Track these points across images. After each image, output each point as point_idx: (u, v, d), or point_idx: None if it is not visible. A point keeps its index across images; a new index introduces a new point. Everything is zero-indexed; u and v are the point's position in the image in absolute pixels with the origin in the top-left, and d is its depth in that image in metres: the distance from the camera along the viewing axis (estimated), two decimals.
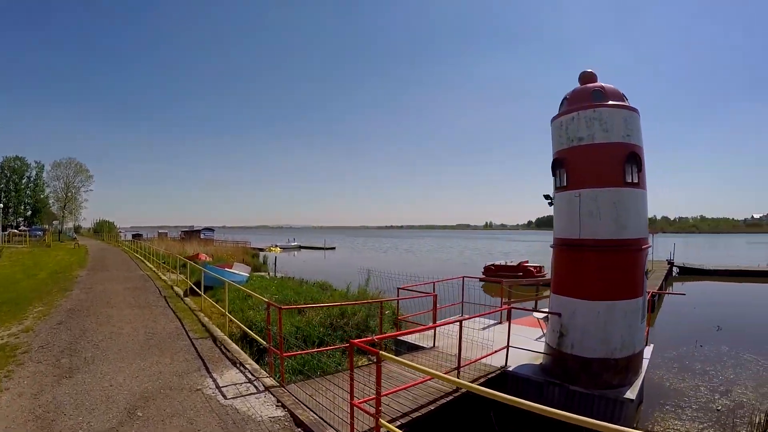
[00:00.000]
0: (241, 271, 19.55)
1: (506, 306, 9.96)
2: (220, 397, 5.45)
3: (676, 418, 8.36)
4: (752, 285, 28.04)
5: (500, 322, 11.66)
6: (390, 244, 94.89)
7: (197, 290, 12.69)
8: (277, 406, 5.28)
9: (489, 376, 7.52)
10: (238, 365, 6.69)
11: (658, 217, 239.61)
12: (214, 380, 6.02)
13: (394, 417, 5.30)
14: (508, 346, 8.17)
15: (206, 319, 10.34)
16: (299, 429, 4.82)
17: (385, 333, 12.61)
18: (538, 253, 61.75)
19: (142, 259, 27.29)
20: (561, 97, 8.14)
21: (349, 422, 4.62)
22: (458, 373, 6.81)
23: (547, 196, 8.76)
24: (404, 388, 5.74)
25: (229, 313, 9.37)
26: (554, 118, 8.03)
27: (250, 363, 6.85)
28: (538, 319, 9.67)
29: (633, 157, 7.22)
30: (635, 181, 7.30)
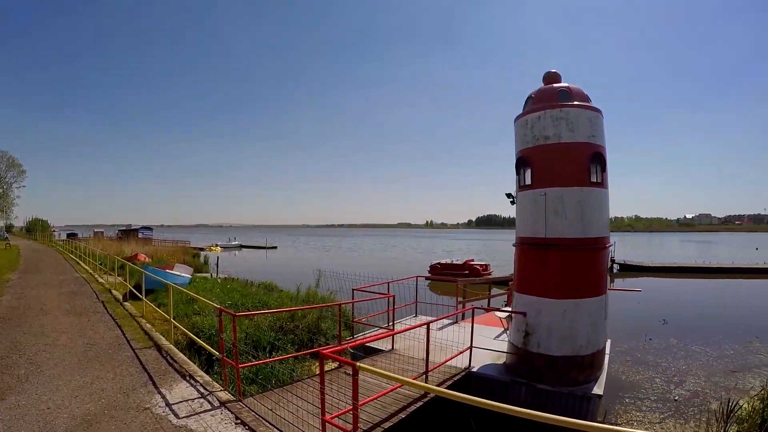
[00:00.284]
0: (182, 272, 18.41)
1: (471, 306, 9.87)
2: (172, 417, 4.83)
3: (637, 410, 8.62)
4: (690, 280, 30.08)
5: (456, 322, 11.59)
6: (332, 243, 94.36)
7: (137, 294, 11.68)
8: (236, 423, 4.75)
9: (455, 379, 7.36)
10: (187, 378, 6.04)
11: None
12: (164, 397, 5.37)
13: (365, 429, 4.93)
14: (471, 347, 8.05)
15: (149, 325, 9.47)
16: None
17: (341, 337, 12.27)
18: (481, 251, 63.78)
19: (77, 260, 25.20)
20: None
21: None
22: (426, 377, 6.55)
23: (509, 195, 8.73)
24: (376, 398, 5.38)
25: (174, 318, 8.61)
26: (519, 117, 7.98)
27: (201, 375, 6.22)
28: (500, 318, 9.65)
29: (598, 157, 7.30)
30: (599, 180, 7.40)
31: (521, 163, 7.84)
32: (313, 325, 12.50)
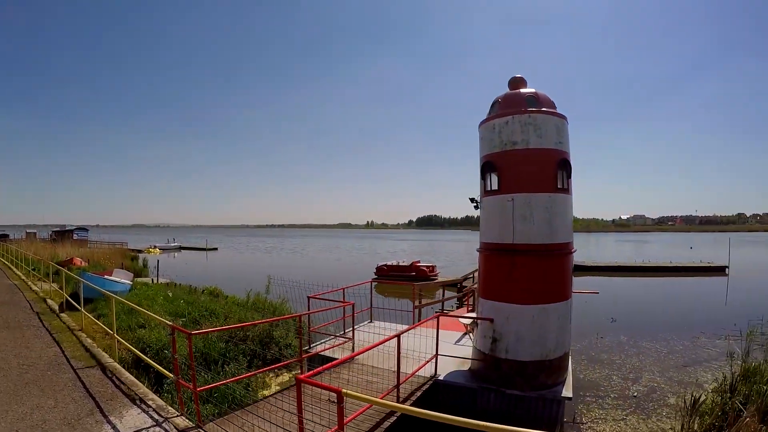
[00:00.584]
0: (122, 278, 17.20)
1: (433, 311, 9.76)
2: None
3: (599, 408, 8.82)
4: (632, 279, 31.67)
5: (414, 327, 11.44)
6: (273, 244, 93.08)
7: (75, 304, 10.71)
8: None
9: (423, 388, 7.19)
10: (138, 402, 5.46)
11: None
12: (114, 426, 4.78)
13: None
14: (437, 354, 7.91)
15: (89, 340, 8.64)
16: None
17: (293, 346, 11.76)
18: (425, 252, 64.66)
19: (9, 264, 22.98)
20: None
21: None
22: (398, 390, 6.32)
23: (472, 200, 8.66)
24: (352, 419, 5.07)
25: (117, 332, 7.90)
26: (485, 121, 7.93)
27: (153, 398, 5.65)
28: (465, 324, 9.60)
29: (564, 164, 7.37)
30: (565, 187, 7.48)
31: (488, 168, 7.77)
32: (265, 333, 12.00)
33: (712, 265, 34.66)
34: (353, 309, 9.46)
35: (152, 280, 22.22)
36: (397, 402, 6.20)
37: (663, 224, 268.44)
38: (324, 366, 4.61)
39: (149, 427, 4.80)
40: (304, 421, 4.18)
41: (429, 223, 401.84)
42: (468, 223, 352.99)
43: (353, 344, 9.01)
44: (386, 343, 9.23)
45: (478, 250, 8.39)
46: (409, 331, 10.83)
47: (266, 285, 16.29)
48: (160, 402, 5.52)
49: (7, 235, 60.77)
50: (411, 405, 6.47)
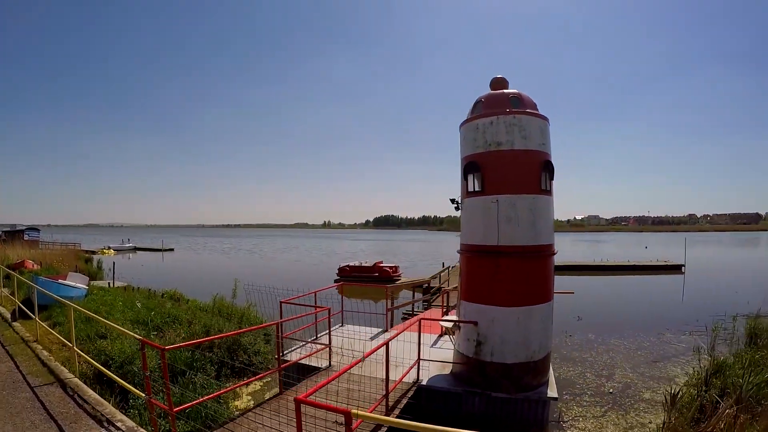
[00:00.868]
0: (78, 282, 15.95)
1: (419, 316, 9.60)
2: None
3: (578, 406, 8.90)
4: (592, 277, 32.58)
5: (386, 330, 11.28)
6: (231, 245, 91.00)
7: (28, 312, 9.91)
8: None
9: (408, 395, 7.01)
10: (105, 424, 4.97)
11: None
12: None
13: None
14: (419, 359, 7.76)
15: (46, 353, 7.94)
16: None
17: (262, 353, 11.30)
18: (384, 252, 64.68)
19: None
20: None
21: None
22: (387, 400, 6.09)
23: (453, 200, 8.55)
24: None
25: (76, 342, 7.29)
26: (467, 121, 7.83)
27: (122, 419, 5.17)
28: (446, 327, 9.49)
29: (548, 165, 7.37)
30: (548, 188, 7.48)
31: (471, 168, 7.64)
32: (232, 340, 11.53)
33: (669, 263, 36.22)
34: (329, 314, 9.16)
35: (109, 283, 21.00)
36: (386, 411, 5.98)
37: (617, 224, 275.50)
38: (322, 382, 4.27)
39: None
40: None
41: (386, 222, 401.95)
42: (425, 223, 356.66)
43: (330, 350, 8.67)
44: (364, 348, 9.01)
45: (458, 252, 8.28)
46: (384, 336, 10.76)
47: (233, 289, 15.62)
48: (130, 423, 5.06)
49: None
50: (399, 412, 6.30)
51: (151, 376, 8.10)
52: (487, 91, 8.11)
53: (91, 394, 5.98)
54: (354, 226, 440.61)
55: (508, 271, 7.17)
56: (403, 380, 7.24)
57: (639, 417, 8.47)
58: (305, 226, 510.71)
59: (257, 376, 7.76)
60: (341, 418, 4.68)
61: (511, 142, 7.15)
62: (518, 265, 7.15)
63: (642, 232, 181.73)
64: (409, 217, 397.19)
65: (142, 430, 4.86)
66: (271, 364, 11.69)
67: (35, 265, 22.86)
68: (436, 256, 52.68)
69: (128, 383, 6.22)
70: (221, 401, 8.68)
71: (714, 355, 10.39)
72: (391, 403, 6.41)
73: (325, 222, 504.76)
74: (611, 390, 9.84)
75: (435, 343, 10.04)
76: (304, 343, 9.48)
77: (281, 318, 8.98)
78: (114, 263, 25.88)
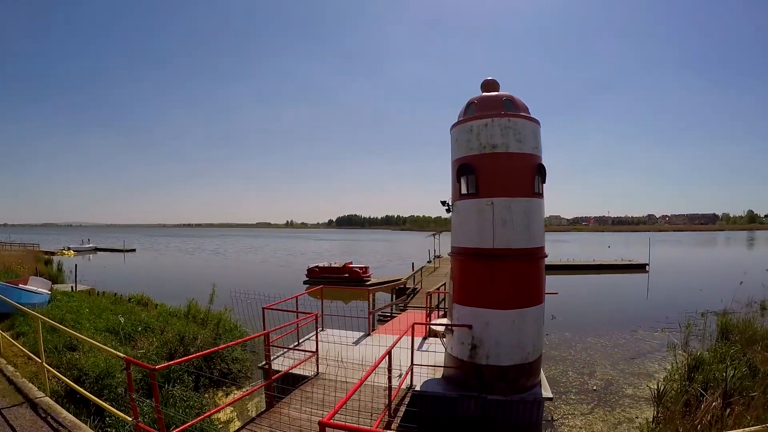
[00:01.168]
0: (39, 287, 14.95)
1: (412, 320, 9.49)
2: None
3: (565, 404, 9.04)
4: (557, 277, 32.94)
5: (369, 334, 11.13)
6: (194, 245, 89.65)
7: None
8: None
9: (405, 402, 6.88)
10: None
11: None
12: None
13: None
14: (412, 365, 7.63)
15: (11, 368, 7.33)
16: None
17: (240, 360, 10.88)
18: (350, 252, 64.78)
19: None
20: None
21: None
22: (390, 409, 5.93)
23: (444, 203, 8.47)
24: None
25: (45, 354, 6.74)
26: (460, 122, 7.76)
27: None
28: (437, 331, 9.41)
29: (540, 169, 7.42)
30: (540, 192, 7.54)
31: (465, 170, 7.56)
32: (208, 346, 11.10)
33: (633, 262, 37.69)
34: (316, 320, 8.93)
35: (72, 287, 19.80)
36: (388, 421, 5.82)
37: (578, 224, 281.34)
38: (343, 399, 4.02)
39: None
40: None
41: (349, 222, 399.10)
42: (388, 222, 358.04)
43: (317, 358, 8.38)
44: (350, 354, 8.79)
45: (449, 254, 8.22)
46: (367, 340, 10.55)
47: (211, 294, 15.05)
48: None
49: None
50: (400, 421, 6.15)
51: (125, 391, 7.58)
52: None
53: (66, 415, 5.52)
54: (317, 226, 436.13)
55: (503, 274, 7.15)
56: (396, 386, 7.08)
57: (625, 413, 8.68)
58: (268, 225, 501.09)
59: (247, 392, 7.38)
60: None
61: (506, 145, 7.14)
62: (513, 268, 7.15)
63: (603, 231, 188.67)
64: (372, 216, 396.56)
65: None
66: (249, 371, 11.31)
67: None
68: (402, 255, 52.99)
69: (103, 400, 5.80)
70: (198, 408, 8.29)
71: (689, 351, 10.76)
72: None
73: (288, 221, 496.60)
74: (595, 387, 10.05)
75: (421, 346, 9.94)
76: (286, 350, 9.10)
77: (264, 324, 8.70)
78: (76, 265, 24.60)
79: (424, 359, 8.41)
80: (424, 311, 12.96)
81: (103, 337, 10.51)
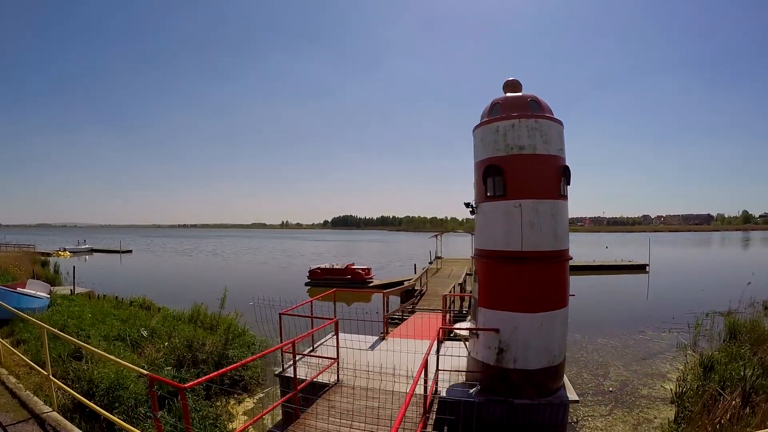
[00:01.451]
0: (38, 290, 14.55)
1: (439, 324, 9.37)
2: None
3: (583, 406, 9.00)
4: None
5: (383, 338, 11.01)
6: (191, 245, 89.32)
7: None
8: None
9: (433, 409, 6.77)
10: None
11: (448, 218, 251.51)
12: None
13: None
14: (438, 370, 7.52)
15: (13, 380, 6.86)
16: None
17: (252, 367, 10.63)
18: (348, 253, 64.81)
19: None
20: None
21: None
22: (425, 418, 5.80)
23: (468, 204, 8.36)
24: None
25: (48, 363, 6.37)
26: (485, 123, 7.65)
27: None
28: (462, 336, 9.28)
29: (566, 171, 7.37)
30: (566, 194, 7.48)
31: (492, 171, 7.40)
32: (218, 353, 10.89)
33: (633, 263, 37.75)
34: (336, 327, 8.67)
35: (71, 290, 19.36)
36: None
37: (573, 225, 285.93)
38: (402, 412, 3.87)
39: None
40: None
41: (344, 223, 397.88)
42: (383, 223, 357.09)
43: (338, 365, 8.20)
44: (368, 360, 8.60)
45: (473, 257, 8.13)
46: (383, 345, 10.37)
47: (221, 299, 14.72)
48: None
49: None
50: (432, 429, 6.04)
51: (137, 403, 7.30)
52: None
53: None
54: (312, 227, 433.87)
55: (532, 277, 7.08)
56: (418, 393, 6.94)
57: (643, 413, 8.64)
58: (263, 226, 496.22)
59: (275, 404, 7.11)
60: None
61: (533, 147, 7.08)
62: (542, 271, 7.10)
63: (598, 232, 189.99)
64: (367, 217, 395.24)
65: None
66: (260, 377, 11.10)
67: None
68: (401, 256, 52.83)
69: (114, 413, 5.48)
70: (218, 424, 8.12)
71: (699, 351, 10.73)
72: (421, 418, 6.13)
73: (283, 222, 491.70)
74: (611, 388, 10.02)
75: (438, 349, 9.80)
76: (301, 356, 8.92)
77: (281, 331, 8.50)
78: (74, 267, 24.33)
79: (444, 364, 8.28)
80: (440, 314, 12.80)
81: (111, 346, 10.25)
